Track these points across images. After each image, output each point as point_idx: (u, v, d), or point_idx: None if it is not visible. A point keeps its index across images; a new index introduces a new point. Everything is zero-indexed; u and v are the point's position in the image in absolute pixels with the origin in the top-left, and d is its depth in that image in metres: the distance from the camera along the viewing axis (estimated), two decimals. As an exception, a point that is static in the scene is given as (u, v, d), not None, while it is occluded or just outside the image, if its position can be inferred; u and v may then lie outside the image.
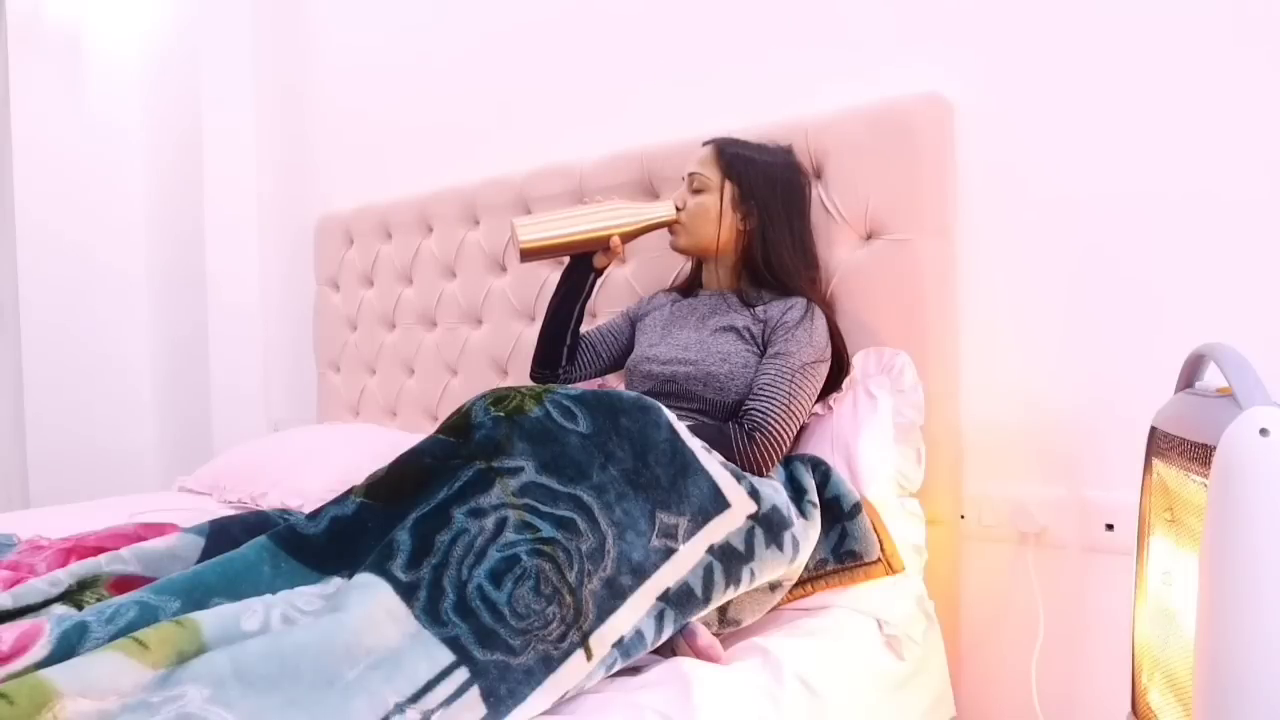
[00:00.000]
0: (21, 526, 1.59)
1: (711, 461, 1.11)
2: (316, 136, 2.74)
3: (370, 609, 0.85)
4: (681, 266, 1.72)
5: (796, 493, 1.26)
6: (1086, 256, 1.40)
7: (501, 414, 1.03)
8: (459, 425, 1.05)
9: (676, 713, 0.92)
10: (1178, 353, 1.06)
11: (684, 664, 0.99)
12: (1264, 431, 0.79)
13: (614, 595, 0.95)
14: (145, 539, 1.29)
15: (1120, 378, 1.37)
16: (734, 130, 1.68)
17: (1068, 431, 1.42)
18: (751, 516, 1.10)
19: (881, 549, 1.26)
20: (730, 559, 1.06)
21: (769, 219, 1.47)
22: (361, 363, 2.50)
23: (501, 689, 0.83)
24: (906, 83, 1.52)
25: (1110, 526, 1.37)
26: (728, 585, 1.05)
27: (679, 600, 1.01)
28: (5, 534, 1.42)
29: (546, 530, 0.94)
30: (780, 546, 1.11)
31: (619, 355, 1.63)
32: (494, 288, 2.13)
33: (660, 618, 0.99)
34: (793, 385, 1.33)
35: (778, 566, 1.12)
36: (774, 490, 1.17)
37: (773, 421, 1.30)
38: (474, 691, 0.82)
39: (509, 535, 0.93)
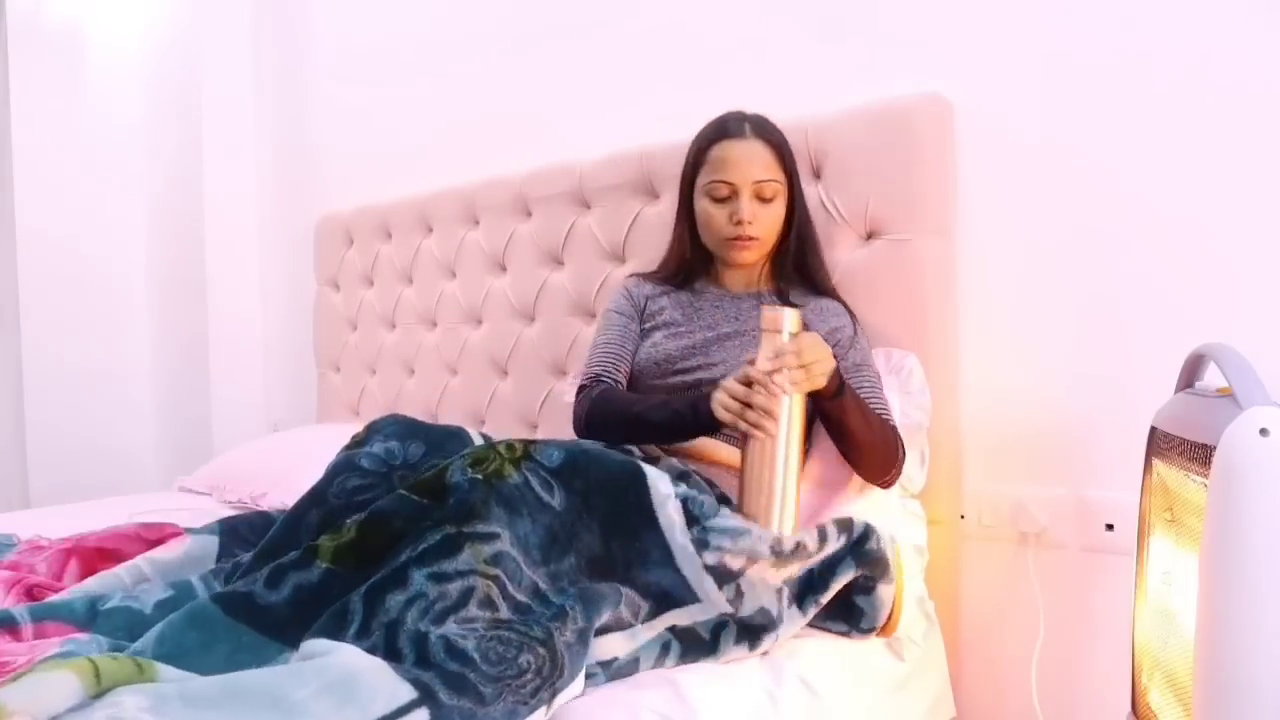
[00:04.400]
0: (21, 526, 1.59)
1: (688, 558, 1.00)
2: (317, 137, 2.74)
3: (328, 645, 0.82)
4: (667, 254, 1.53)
5: (809, 584, 1.12)
6: (1086, 256, 1.40)
7: (479, 477, 0.97)
8: (434, 486, 0.98)
9: (675, 713, 0.92)
10: (1178, 353, 1.06)
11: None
12: (1264, 431, 0.79)
13: (585, 646, 0.90)
14: (145, 538, 1.30)
15: (1120, 378, 1.37)
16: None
17: (1068, 431, 1.42)
18: (729, 615, 1.03)
19: (889, 616, 1.16)
20: (691, 645, 1.02)
21: (804, 212, 1.43)
22: (361, 363, 2.50)
23: None
24: (906, 83, 1.52)
25: (1110, 526, 1.37)
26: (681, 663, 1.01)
27: (623, 670, 0.97)
28: (5, 534, 1.42)
29: (504, 612, 0.89)
30: (753, 646, 1.05)
31: None
32: (494, 288, 2.13)
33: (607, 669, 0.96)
34: (885, 393, 1.34)
35: (745, 659, 1.06)
36: (768, 594, 1.06)
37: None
38: None
39: (472, 609, 0.87)
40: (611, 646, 0.97)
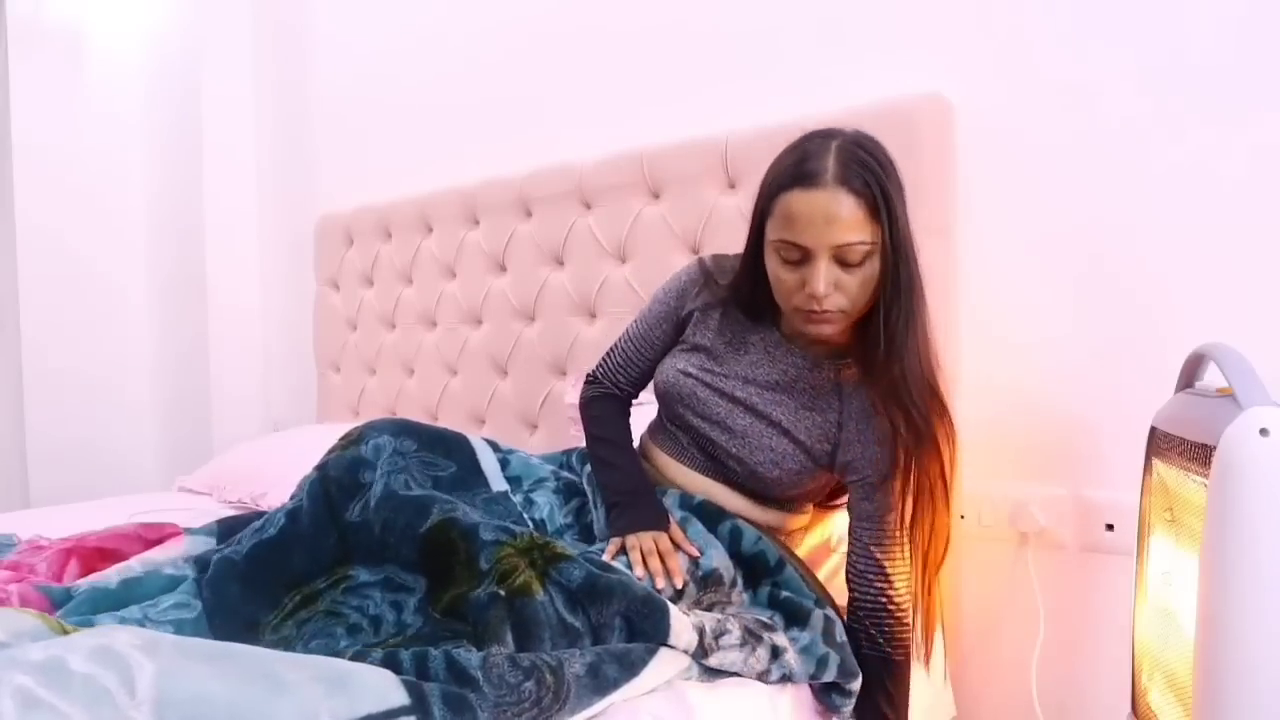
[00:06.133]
0: (21, 526, 1.59)
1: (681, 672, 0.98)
2: (316, 136, 2.74)
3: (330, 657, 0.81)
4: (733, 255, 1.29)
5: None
6: (1086, 256, 1.40)
7: (502, 592, 0.95)
8: (460, 577, 0.98)
9: (673, 715, 0.91)
10: (1178, 353, 1.06)
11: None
12: (1264, 431, 0.79)
13: (596, 684, 0.88)
14: (145, 538, 1.30)
15: (1120, 378, 1.37)
16: (734, 130, 1.69)
17: (1068, 431, 1.42)
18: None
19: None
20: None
21: (910, 269, 1.09)
22: (361, 363, 2.50)
23: None
24: (906, 83, 1.52)
25: (1110, 526, 1.37)
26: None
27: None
28: (5, 534, 1.42)
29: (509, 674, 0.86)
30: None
31: None
32: (494, 288, 2.13)
33: None
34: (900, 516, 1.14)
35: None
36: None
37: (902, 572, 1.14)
38: None
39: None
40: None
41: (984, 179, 1.49)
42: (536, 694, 0.82)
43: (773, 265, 1.11)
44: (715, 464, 1.24)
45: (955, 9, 1.51)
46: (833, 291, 1.05)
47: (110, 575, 1.10)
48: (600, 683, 0.88)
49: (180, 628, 0.97)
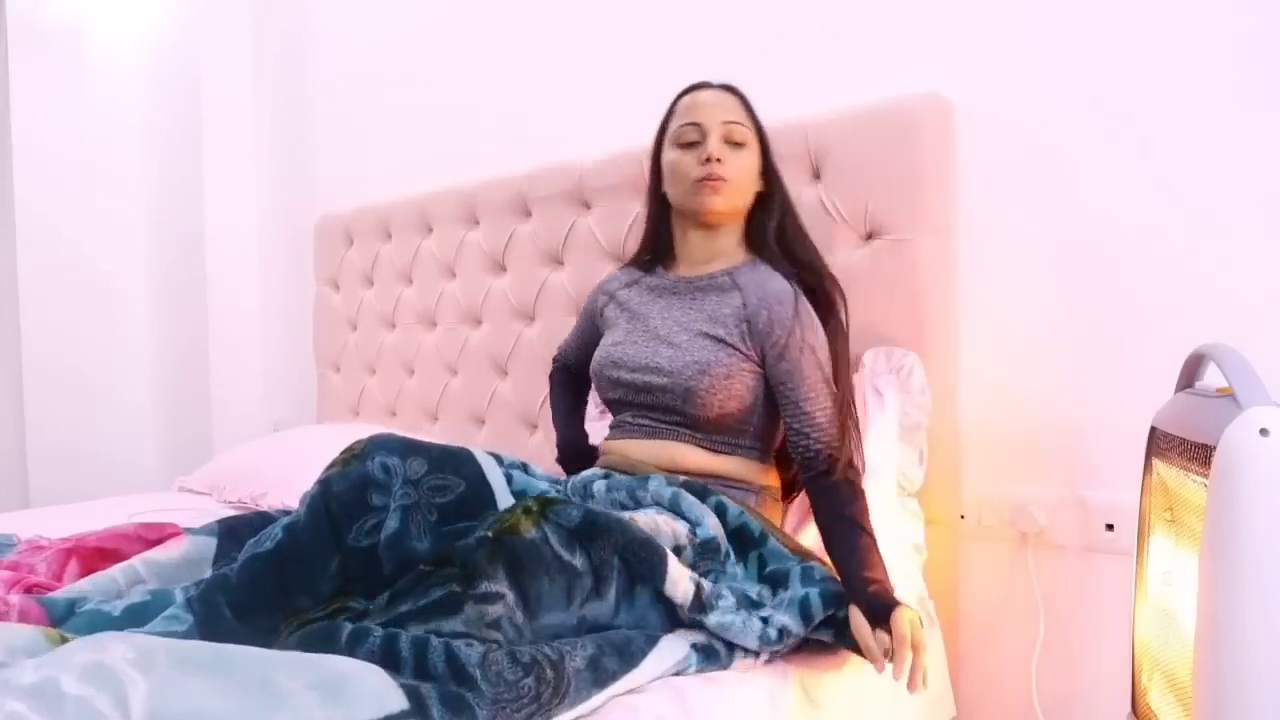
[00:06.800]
0: (21, 526, 1.59)
1: (684, 632, 1.02)
2: (316, 136, 2.74)
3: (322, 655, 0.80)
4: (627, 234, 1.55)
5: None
6: (1086, 256, 1.40)
7: (489, 534, 0.94)
8: (444, 550, 0.97)
9: (673, 714, 0.91)
10: (1178, 353, 1.06)
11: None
12: (1264, 431, 0.79)
13: (596, 677, 0.88)
14: (145, 538, 1.30)
15: (1120, 378, 1.37)
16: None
17: (1068, 431, 1.42)
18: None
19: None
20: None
21: (779, 178, 1.36)
22: (361, 363, 2.50)
23: None
24: (906, 83, 1.52)
25: (1110, 526, 1.37)
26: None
27: None
28: (5, 534, 1.42)
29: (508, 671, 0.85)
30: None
31: None
32: (494, 288, 2.13)
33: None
34: (825, 391, 1.24)
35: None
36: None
37: (852, 455, 1.21)
38: None
39: (470, 669, 0.83)
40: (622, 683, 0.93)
41: (984, 179, 1.49)
42: (536, 690, 0.82)
43: (672, 158, 1.34)
44: (659, 418, 1.31)
45: (955, 9, 1.51)
46: (725, 157, 1.28)
47: (112, 581, 1.09)
48: (600, 675, 0.89)
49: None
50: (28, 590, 1.11)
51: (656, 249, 1.44)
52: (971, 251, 1.50)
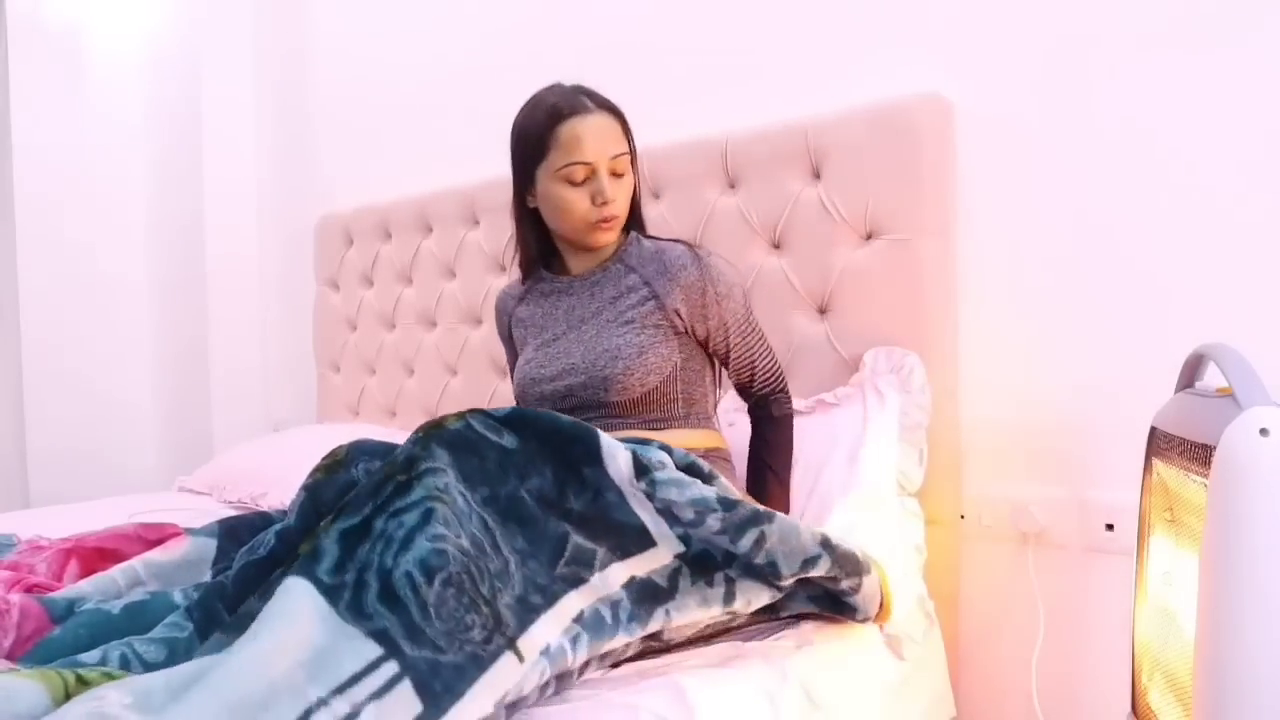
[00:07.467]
0: (21, 526, 1.59)
1: (640, 503, 1.02)
2: (316, 136, 2.74)
3: (294, 612, 0.82)
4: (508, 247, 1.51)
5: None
6: (1086, 256, 1.40)
7: (420, 434, 0.99)
8: (389, 460, 0.99)
9: (673, 714, 0.92)
10: (1178, 353, 1.06)
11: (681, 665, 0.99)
12: (1264, 431, 0.79)
13: (528, 610, 0.91)
14: (145, 538, 1.30)
15: (1120, 378, 1.37)
16: (734, 131, 1.69)
17: (1068, 431, 1.42)
18: (679, 556, 1.03)
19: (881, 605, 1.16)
20: (646, 596, 1.00)
21: (638, 168, 1.38)
22: (361, 363, 2.50)
23: (435, 684, 0.80)
24: (906, 83, 1.52)
25: (1110, 526, 1.37)
26: (647, 622, 1.00)
27: (592, 625, 0.95)
28: (5, 534, 1.42)
29: (464, 540, 0.89)
30: (711, 583, 1.04)
31: None
32: (494, 288, 2.13)
33: (575, 640, 0.94)
34: (758, 336, 1.35)
35: (708, 606, 1.04)
36: (716, 538, 1.04)
37: (781, 382, 1.36)
38: (406, 685, 0.78)
39: (437, 528, 0.87)
40: (571, 605, 0.95)
41: (984, 179, 1.49)
42: (481, 623, 0.85)
43: (559, 193, 1.29)
44: (588, 416, 1.29)
45: (955, 9, 1.51)
46: (615, 193, 1.28)
47: (112, 582, 1.09)
48: (529, 606, 0.91)
49: (172, 647, 0.96)
50: (28, 590, 1.11)
51: (540, 255, 1.42)
52: (971, 251, 1.50)
